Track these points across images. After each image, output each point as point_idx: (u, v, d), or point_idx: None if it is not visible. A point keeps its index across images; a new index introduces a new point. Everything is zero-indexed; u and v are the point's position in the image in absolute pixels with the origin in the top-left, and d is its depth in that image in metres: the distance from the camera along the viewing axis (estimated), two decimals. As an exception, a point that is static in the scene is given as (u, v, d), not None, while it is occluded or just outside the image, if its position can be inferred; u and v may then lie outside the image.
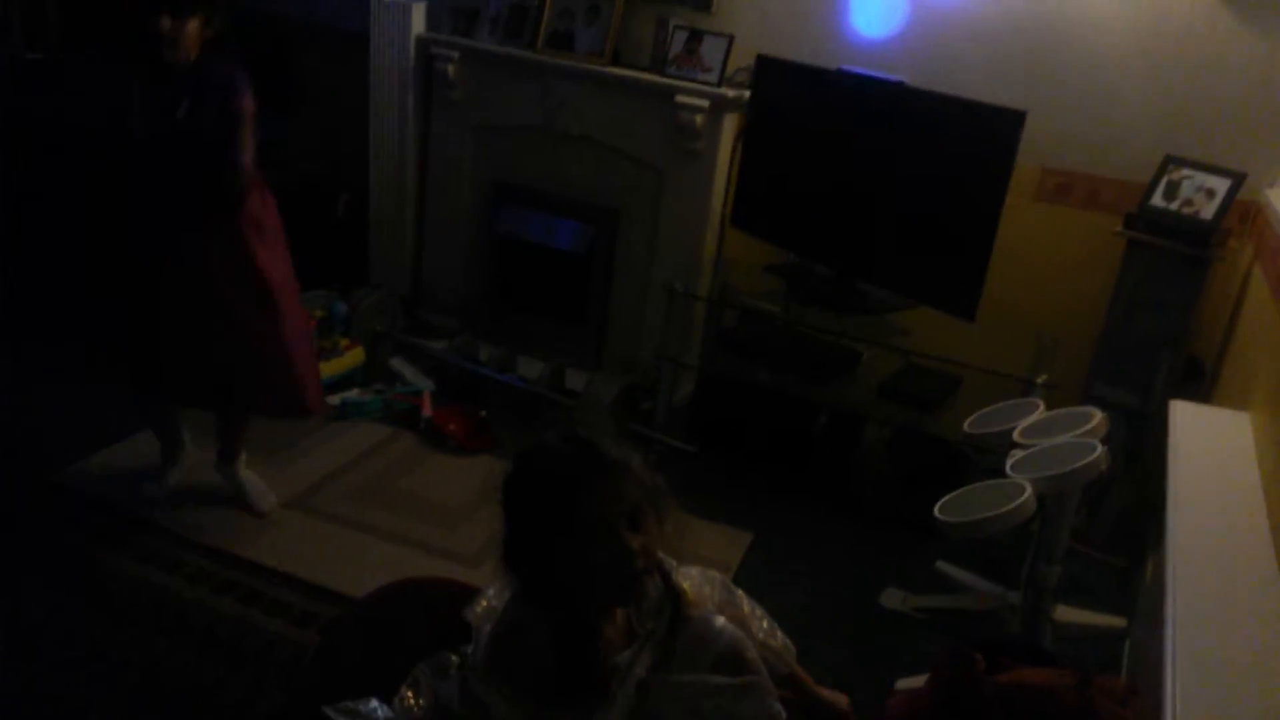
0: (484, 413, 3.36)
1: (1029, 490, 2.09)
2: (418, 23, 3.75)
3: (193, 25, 2.33)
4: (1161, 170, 2.91)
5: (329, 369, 3.46)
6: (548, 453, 1.18)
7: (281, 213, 2.59)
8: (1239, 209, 2.86)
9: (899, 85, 3.03)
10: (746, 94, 3.33)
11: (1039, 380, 2.84)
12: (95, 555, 2.51)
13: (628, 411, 3.47)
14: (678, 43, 3.40)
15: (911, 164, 2.96)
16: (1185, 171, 2.88)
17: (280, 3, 4.19)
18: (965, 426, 2.57)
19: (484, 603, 1.33)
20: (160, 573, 2.48)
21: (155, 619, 2.32)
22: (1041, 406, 2.49)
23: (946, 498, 2.23)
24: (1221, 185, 2.82)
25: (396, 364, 3.73)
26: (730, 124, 3.41)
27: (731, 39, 3.33)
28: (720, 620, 1.27)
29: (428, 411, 3.36)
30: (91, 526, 2.61)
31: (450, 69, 3.71)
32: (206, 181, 2.40)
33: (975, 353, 2.98)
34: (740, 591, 1.41)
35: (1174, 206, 2.86)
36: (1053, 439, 2.30)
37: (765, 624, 1.42)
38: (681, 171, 3.47)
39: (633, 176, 3.58)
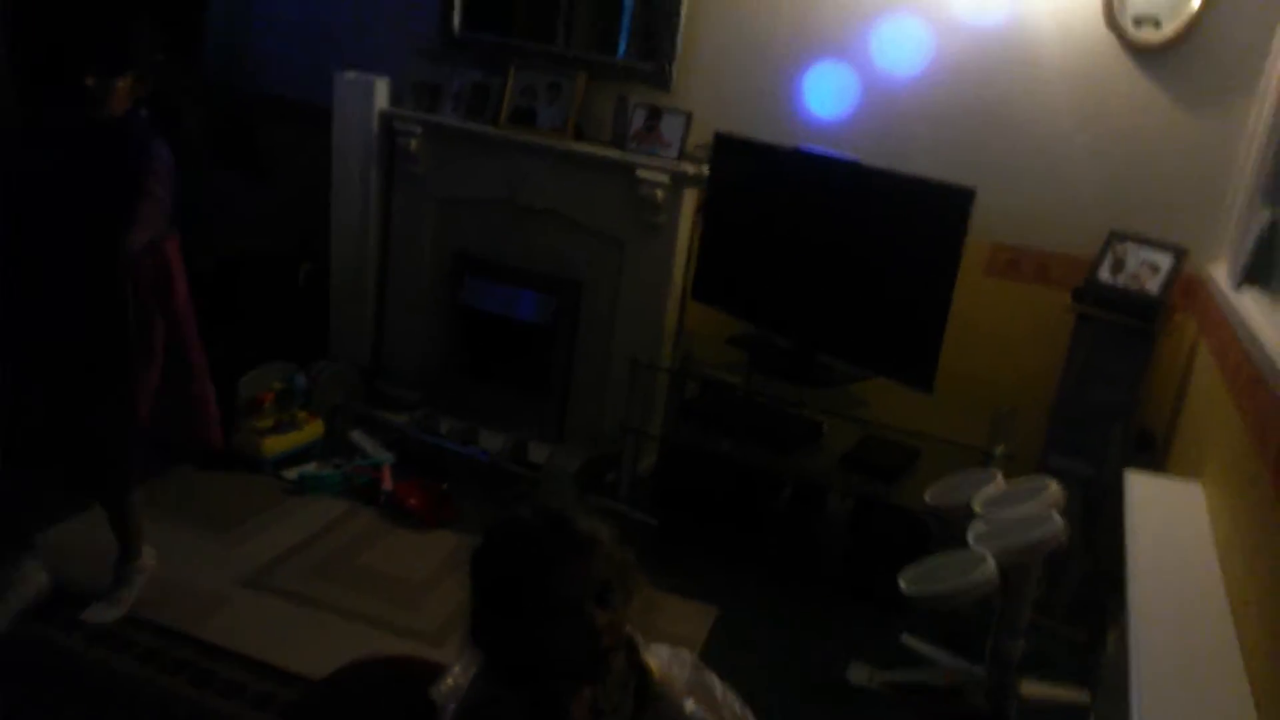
0: (445, 486, 3.33)
1: (991, 561, 2.11)
2: (380, 98, 3.79)
3: (122, 85, 2.31)
4: (1107, 245, 3.01)
5: (287, 442, 3.42)
6: (517, 527, 1.18)
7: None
8: (1183, 283, 2.96)
9: (853, 163, 3.11)
10: (706, 169, 3.40)
11: (997, 451, 2.88)
12: (43, 635, 2.42)
13: (591, 483, 3.45)
14: (638, 119, 3.48)
15: (867, 239, 3.03)
16: (1129, 246, 2.98)
17: (245, 77, 4.23)
18: (926, 497, 2.60)
19: (450, 680, 1.31)
20: (110, 653, 2.40)
21: (105, 701, 2.24)
22: (999, 476, 2.52)
23: (909, 568, 2.24)
24: (1165, 260, 2.91)
25: (356, 437, 3.69)
26: (690, 198, 3.47)
27: (690, 116, 3.41)
28: (690, 704, 1.26)
29: (388, 485, 3.31)
30: (40, 606, 2.51)
31: (413, 144, 3.75)
32: (91, 236, 2.31)
33: (934, 423, 3.02)
34: (713, 674, 1.39)
35: (1120, 281, 2.95)
36: (1013, 509, 2.33)
37: (737, 708, 1.40)
38: (643, 245, 3.52)
39: (595, 249, 3.62)
